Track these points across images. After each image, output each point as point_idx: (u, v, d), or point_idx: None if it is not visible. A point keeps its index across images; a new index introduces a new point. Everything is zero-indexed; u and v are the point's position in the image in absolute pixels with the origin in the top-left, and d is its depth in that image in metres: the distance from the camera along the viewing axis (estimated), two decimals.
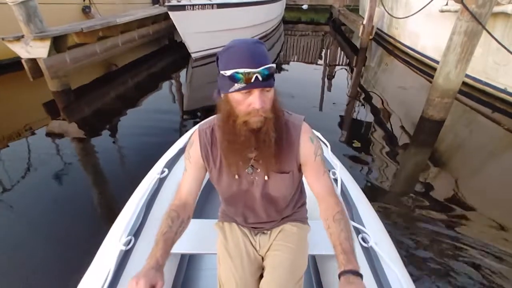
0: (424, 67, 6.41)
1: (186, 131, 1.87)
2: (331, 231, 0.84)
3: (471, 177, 2.96)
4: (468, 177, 2.94)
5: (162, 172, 1.43)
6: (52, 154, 3.12)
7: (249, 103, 0.72)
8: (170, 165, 1.49)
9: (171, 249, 0.82)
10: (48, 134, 3.52)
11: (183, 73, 6.19)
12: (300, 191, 1.05)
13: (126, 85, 5.34)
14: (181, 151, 1.57)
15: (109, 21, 5.35)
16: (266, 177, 0.88)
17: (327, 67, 7.22)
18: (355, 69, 7.06)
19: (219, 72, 0.76)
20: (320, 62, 7.87)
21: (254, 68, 0.69)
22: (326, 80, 6.10)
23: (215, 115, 0.87)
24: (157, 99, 4.76)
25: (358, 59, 7.72)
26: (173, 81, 5.78)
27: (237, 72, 0.69)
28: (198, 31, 6.13)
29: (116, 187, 2.57)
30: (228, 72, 0.70)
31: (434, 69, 3.66)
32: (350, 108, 4.60)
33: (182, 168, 0.97)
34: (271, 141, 0.77)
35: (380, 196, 2.55)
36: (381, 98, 4.90)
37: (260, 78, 0.70)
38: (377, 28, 9.17)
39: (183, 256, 1.33)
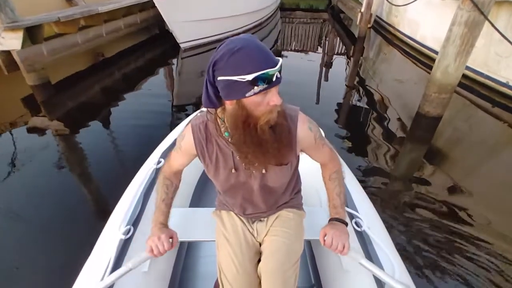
0: (423, 58, 6.14)
1: (177, 124, 1.85)
2: (327, 187, 0.97)
3: (468, 172, 2.88)
4: (464, 171, 2.87)
5: (158, 162, 1.43)
6: (41, 149, 3.03)
7: (267, 102, 0.71)
8: (166, 155, 1.50)
9: (170, 211, 0.93)
10: (31, 130, 3.37)
11: (173, 65, 5.92)
12: (296, 178, 1.06)
13: (113, 78, 5.10)
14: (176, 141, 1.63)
15: (90, 9, 5.04)
16: (264, 171, 0.88)
17: (325, 56, 7.00)
18: (352, 59, 6.80)
19: (216, 79, 0.70)
20: (318, 51, 7.63)
21: (274, 67, 0.67)
22: (323, 69, 5.97)
23: (205, 110, 0.87)
24: (146, 92, 4.58)
25: (355, 49, 7.44)
26: (163, 72, 5.53)
27: (262, 75, 0.66)
28: (187, 19, 5.82)
29: (108, 180, 2.56)
30: (250, 76, 0.65)
31: (434, 61, 3.43)
32: (346, 99, 4.54)
33: None
34: (285, 132, 0.81)
35: (374, 183, 2.63)
36: (378, 89, 4.77)
37: (279, 76, 0.69)
38: (376, 16, 8.83)
39: (182, 244, 1.36)
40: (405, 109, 4.07)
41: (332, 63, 6.55)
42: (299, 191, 1.13)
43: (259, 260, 1.00)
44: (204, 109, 0.92)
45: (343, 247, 0.87)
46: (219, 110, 0.78)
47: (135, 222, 1.13)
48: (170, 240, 0.90)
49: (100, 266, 0.97)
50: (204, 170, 1.32)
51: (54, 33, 4.75)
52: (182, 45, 6.20)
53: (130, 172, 1.49)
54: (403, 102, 4.37)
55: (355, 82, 5.19)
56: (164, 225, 0.92)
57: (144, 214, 1.18)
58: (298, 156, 0.93)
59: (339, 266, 1.07)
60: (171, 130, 1.81)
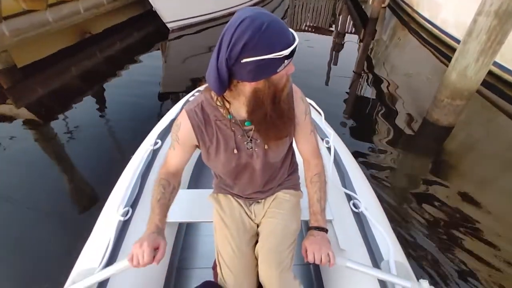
0: (443, 47, 5.36)
1: (165, 112, 1.78)
2: (308, 191, 0.97)
3: (479, 182, 2.55)
4: (475, 182, 2.55)
5: (155, 143, 1.43)
6: (41, 135, 3.00)
7: (286, 72, 0.71)
8: (163, 136, 1.49)
9: (167, 213, 0.87)
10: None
11: (161, 47, 5.41)
12: (292, 153, 1.05)
13: (94, 60, 4.70)
14: (173, 122, 1.58)
15: None
16: (266, 146, 0.88)
17: (336, 37, 6.52)
18: (361, 43, 6.07)
19: (239, 62, 0.65)
20: (331, 29, 7.16)
21: (296, 39, 0.68)
22: (334, 52, 5.66)
23: (198, 93, 0.89)
24: (132, 76, 4.28)
25: (365, 32, 6.68)
26: (150, 54, 5.06)
27: (293, 49, 0.66)
28: None
29: (102, 164, 2.53)
30: (286, 51, 0.65)
31: (454, 51, 2.81)
32: (353, 87, 4.30)
33: None
34: (290, 101, 0.85)
35: (372, 164, 2.61)
36: (388, 78, 4.40)
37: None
38: None
39: (180, 224, 1.37)
40: (414, 106, 3.64)
41: (343, 44, 6.08)
42: (296, 170, 1.11)
43: (256, 242, 1.01)
44: (201, 88, 0.98)
45: (328, 259, 0.84)
46: (226, 92, 0.75)
47: (134, 203, 1.13)
48: (156, 251, 0.78)
49: (99, 247, 0.97)
50: (200, 153, 1.38)
51: (22, 9, 4.25)
52: (169, 25, 5.61)
53: (126, 154, 1.49)
54: (413, 96, 3.89)
55: (364, 68, 4.83)
56: (158, 228, 0.81)
57: (142, 195, 1.17)
58: (294, 126, 0.91)
59: (336, 246, 1.06)
60: (158, 119, 1.74)
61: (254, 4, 7.59)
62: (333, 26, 7.50)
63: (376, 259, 0.98)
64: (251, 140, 0.86)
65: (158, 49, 5.38)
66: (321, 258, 0.83)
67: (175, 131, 0.88)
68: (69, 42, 4.99)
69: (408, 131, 3.16)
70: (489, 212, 2.20)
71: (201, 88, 1.85)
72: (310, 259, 0.83)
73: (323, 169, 0.97)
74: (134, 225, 1.06)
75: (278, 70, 0.68)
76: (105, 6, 5.63)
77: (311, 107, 1.51)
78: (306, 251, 0.85)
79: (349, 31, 7.01)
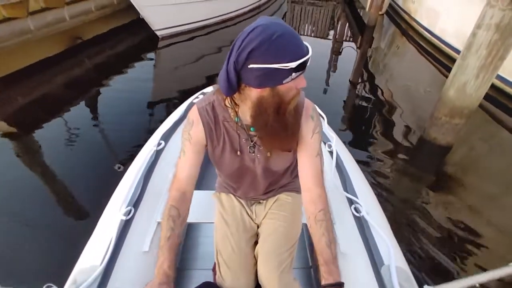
0: (441, 57, 5.17)
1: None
2: (312, 232, 0.85)
3: (480, 194, 2.46)
4: (477, 196, 2.45)
5: (159, 144, 1.43)
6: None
7: (295, 86, 0.71)
8: (167, 137, 1.49)
9: (178, 253, 0.98)
10: None
11: (151, 55, 5.23)
12: (296, 161, 0.97)
13: (81, 68, 4.51)
14: (177, 123, 1.59)
15: None
16: (268, 154, 0.88)
17: (334, 44, 6.42)
18: (359, 51, 5.91)
19: (246, 67, 0.66)
20: (329, 36, 7.03)
21: (308, 54, 0.67)
22: (332, 58, 5.62)
23: (210, 91, 0.88)
24: (122, 86, 4.12)
25: (363, 40, 6.51)
26: (141, 62, 4.88)
27: (303, 62, 0.66)
28: (161, 2, 5.00)
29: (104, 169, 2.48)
30: (293, 64, 0.65)
31: (454, 61, 2.62)
32: (351, 94, 4.28)
33: (178, 139, 0.95)
34: (298, 115, 0.84)
35: (370, 172, 2.59)
36: (386, 89, 4.31)
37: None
38: (392, 0, 7.68)
39: None
40: (412, 119, 3.50)
41: (341, 51, 6.00)
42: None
43: (256, 243, 1.01)
44: (205, 90, 1.16)
45: None
46: (235, 95, 0.75)
47: (136, 203, 1.14)
48: None
49: (101, 246, 0.98)
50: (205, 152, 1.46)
51: (3, 17, 4.08)
52: (158, 33, 5.42)
53: (114, 163, 1.62)
54: (411, 110, 3.73)
55: (363, 77, 4.78)
56: (167, 277, 0.76)
57: (145, 195, 1.19)
58: (297, 142, 0.89)
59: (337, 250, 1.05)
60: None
61: (250, 11, 7.44)
62: (332, 32, 7.39)
63: (376, 264, 0.97)
64: (254, 145, 0.87)
65: (149, 57, 5.20)
66: None
67: (187, 129, 0.87)
68: (56, 50, 4.79)
69: (406, 144, 3.05)
70: (491, 220, 2.17)
71: (205, 90, 1.75)
72: None
73: (327, 203, 0.86)
74: (136, 224, 1.06)
75: (284, 82, 0.68)
76: (94, 13, 5.47)
77: None
78: None
79: (347, 38, 6.87)
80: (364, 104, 3.96)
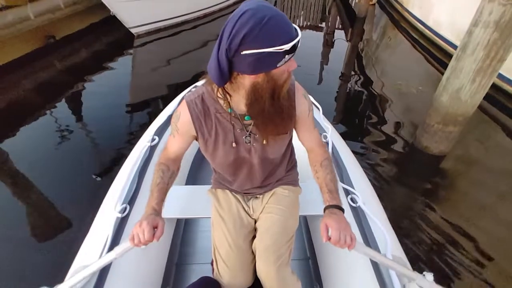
0: (435, 51, 4.86)
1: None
2: (319, 175, 0.91)
3: (476, 202, 2.30)
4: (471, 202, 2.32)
5: (153, 139, 1.42)
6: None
7: (287, 68, 0.70)
8: (160, 132, 1.46)
9: (165, 196, 0.88)
10: None
11: (128, 55, 4.87)
12: (291, 149, 1.04)
13: (51, 71, 4.18)
14: (170, 118, 1.53)
15: None
16: (264, 141, 0.87)
17: (326, 35, 6.15)
18: (349, 44, 5.62)
19: (238, 53, 0.64)
20: (320, 26, 6.84)
21: (298, 35, 0.66)
22: (324, 49, 5.43)
23: (199, 84, 0.90)
24: (96, 88, 3.85)
25: (353, 32, 6.19)
26: (118, 62, 4.54)
27: (295, 44, 0.65)
28: None
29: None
30: (287, 46, 0.64)
31: (449, 56, 2.36)
32: (342, 87, 4.15)
33: None
34: (291, 98, 0.85)
35: (371, 159, 2.59)
36: (378, 84, 4.13)
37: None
38: None
39: (179, 220, 1.40)
40: (407, 115, 3.36)
41: (333, 42, 5.74)
42: (294, 166, 1.11)
43: (253, 237, 1.01)
44: (198, 84, 1.12)
45: (351, 240, 0.78)
46: (226, 85, 0.74)
47: (131, 200, 1.13)
48: (155, 230, 0.79)
49: (97, 245, 0.97)
50: (199, 147, 1.44)
51: None
52: (133, 31, 5.04)
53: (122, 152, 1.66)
54: (405, 106, 3.57)
55: (353, 70, 4.63)
56: (155, 211, 0.82)
57: (140, 192, 1.17)
58: (295, 123, 0.91)
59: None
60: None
61: (234, 3, 7.03)
62: (323, 23, 7.08)
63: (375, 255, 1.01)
64: (250, 134, 0.85)
65: (126, 57, 4.84)
66: (345, 240, 0.78)
67: (175, 121, 0.87)
68: (23, 51, 4.40)
69: (397, 149, 2.85)
70: (488, 213, 2.16)
71: (198, 84, 1.67)
72: (335, 238, 0.77)
73: (329, 156, 0.95)
74: (132, 222, 1.05)
75: (278, 65, 0.67)
76: (63, 10, 5.07)
77: None
78: (327, 230, 0.79)
79: (339, 28, 6.60)
80: (357, 97, 3.86)
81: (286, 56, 0.65)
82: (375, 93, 3.86)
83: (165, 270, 1.14)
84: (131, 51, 4.94)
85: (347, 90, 4.07)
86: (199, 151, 1.62)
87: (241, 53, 0.63)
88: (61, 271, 0.96)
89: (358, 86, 4.12)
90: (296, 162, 1.10)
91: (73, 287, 0.81)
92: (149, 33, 5.26)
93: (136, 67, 4.59)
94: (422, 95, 3.63)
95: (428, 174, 2.55)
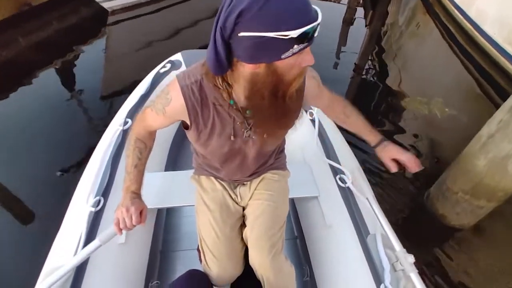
0: (473, 51, 3.89)
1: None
2: (351, 121, 0.94)
3: None
4: None
5: (125, 123, 1.31)
6: None
7: (299, 63, 0.58)
8: (133, 114, 1.34)
9: (143, 176, 0.86)
10: None
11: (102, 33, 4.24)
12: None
13: (13, 49, 3.69)
14: (144, 97, 1.44)
15: None
16: (265, 135, 0.81)
17: (347, 13, 5.21)
18: (368, 29, 4.86)
19: (235, 35, 0.53)
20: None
21: (317, 19, 0.53)
22: (343, 28, 4.79)
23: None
24: (64, 72, 3.41)
25: (374, 14, 5.25)
26: (88, 46, 3.94)
27: (310, 29, 0.52)
28: None
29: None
30: (294, 33, 0.50)
31: (491, 62, 1.90)
32: (355, 79, 3.63)
33: None
34: (300, 94, 0.77)
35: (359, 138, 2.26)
36: (400, 75, 3.59)
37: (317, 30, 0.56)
38: None
39: (160, 209, 1.33)
40: (423, 148, 2.60)
41: (353, 21, 4.96)
42: (283, 150, 1.07)
43: (241, 225, 0.99)
44: (173, 58, 1.15)
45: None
46: (228, 72, 0.63)
47: (105, 192, 1.07)
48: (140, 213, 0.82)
49: (70, 243, 0.92)
50: (176, 131, 1.33)
51: None
52: (105, 5, 4.32)
53: (93, 140, 1.36)
54: (422, 132, 2.74)
55: (372, 58, 4.03)
56: (137, 194, 0.84)
57: (115, 182, 1.11)
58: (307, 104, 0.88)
59: (322, 222, 1.07)
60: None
61: None
62: None
63: (362, 234, 0.99)
64: (250, 128, 0.77)
65: (98, 37, 4.17)
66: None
67: (162, 102, 0.75)
68: None
69: (401, 197, 2.15)
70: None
71: (173, 58, 1.62)
72: (409, 159, 0.84)
73: (344, 99, 0.94)
74: (107, 215, 1.00)
75: (282, 56, 0.54)
76: None
77: None
78: (394, 161, 0.85)
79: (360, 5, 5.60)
80: (369, 89, 3.45)
81: (295, 46, 0.52)
82: (389, 99, 3.22)
83: (148, 259, 1.10)
84: (104, 29, 4.27)
85: (360, 80, 3.62)
86: (177, 135, 1.57)
87: (238, 34, 0.52)
88: (30, 274, 0.90)
89: (372, 79, 3.62)
90: (284, 143, 1.05)
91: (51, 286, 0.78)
92: (124, 8, 4.54)
93: (110, 47, 3.99)
94: (448, 122, 2.76)
95: (438, 245, 1.86)
